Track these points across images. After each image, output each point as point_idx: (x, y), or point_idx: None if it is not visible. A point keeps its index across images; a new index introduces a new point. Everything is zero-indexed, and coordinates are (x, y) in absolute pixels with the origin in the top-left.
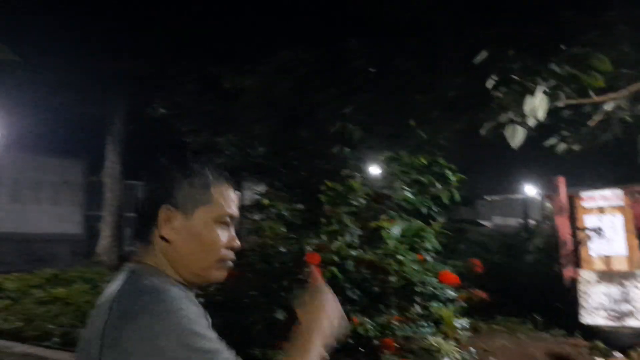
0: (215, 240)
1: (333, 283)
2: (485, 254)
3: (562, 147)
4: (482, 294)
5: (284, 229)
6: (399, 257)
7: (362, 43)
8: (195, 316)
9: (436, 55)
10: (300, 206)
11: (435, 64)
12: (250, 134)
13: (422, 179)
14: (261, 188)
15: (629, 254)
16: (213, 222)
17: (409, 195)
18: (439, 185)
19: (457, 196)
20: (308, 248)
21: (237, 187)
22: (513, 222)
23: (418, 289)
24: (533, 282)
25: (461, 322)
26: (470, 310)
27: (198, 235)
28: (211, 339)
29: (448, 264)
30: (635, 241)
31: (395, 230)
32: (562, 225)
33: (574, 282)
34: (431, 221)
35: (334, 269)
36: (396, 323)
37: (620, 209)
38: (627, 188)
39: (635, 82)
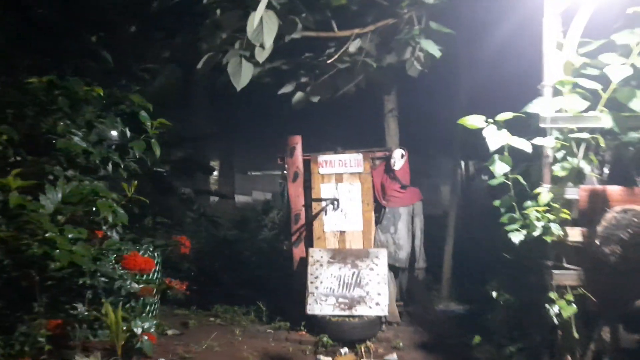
0: None
1: None
2: (216, 230)
3: (299, 97)
4: (178, 284)
5: None
6: (50, 234)
7: None
8: None
9: None
10: None
11: None
12: None
13: (103, 121)
14: None
15: (364, 228)
16: None
17: (79, 142)
18: (125, 131)
19: (157, 149)
20: None
21: None
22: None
23: (85, 280)
24: (264, 262)
25: (145, 325)
26: (176, 300)
27: None
28: None
29: (144, 243)
30: (372, 214)
31: (50, 194)
32: (295, 194)
33: (304, 263)
34: (125, 184)
35: None
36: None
37: (359, 176)
38: (367, 152)
39: (384, 19)
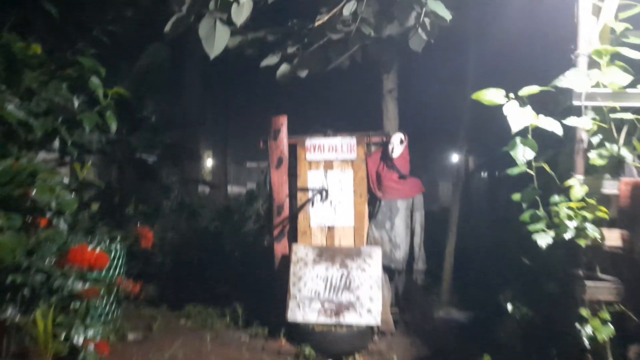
0: None
1: None
2: (195, 221)
3: (284, 69)
4: (130, 285)
5: None
6: None
7: None
8: None
9: None
10: None
11: None
12: None
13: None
14: None
15: (356, 224)
16: None
17: (15, 112)
18: (72, 99)
19: (112, 123)
20: None
21: None
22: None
23: (15, 277)
24: (246, 258)
25: (90, 332)
26: (148, 297)
27: None
28: None
29: (101, 233)
30: (365, 207)
31: None
32: (279, 182)
33: (286, 261)
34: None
35: None
36: None
37: (352, 163)
38: (361, 137)
39: None
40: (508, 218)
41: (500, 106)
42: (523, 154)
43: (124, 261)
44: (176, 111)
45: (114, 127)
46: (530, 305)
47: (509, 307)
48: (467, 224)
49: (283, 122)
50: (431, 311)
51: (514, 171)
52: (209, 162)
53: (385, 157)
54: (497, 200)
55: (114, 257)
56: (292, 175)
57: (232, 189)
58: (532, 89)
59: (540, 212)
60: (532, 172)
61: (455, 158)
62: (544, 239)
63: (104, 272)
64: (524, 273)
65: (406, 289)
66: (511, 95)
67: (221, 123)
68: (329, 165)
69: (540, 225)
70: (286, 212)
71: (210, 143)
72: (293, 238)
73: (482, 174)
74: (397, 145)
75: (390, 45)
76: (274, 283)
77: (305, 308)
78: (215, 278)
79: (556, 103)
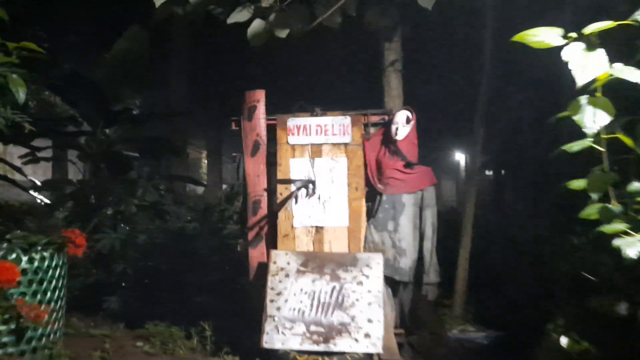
0: None
1: None
2: (164, 223)
3: (257, 27)
4: (35, 309)
5: None
6: None
7: None
8: None
9: None
10: None
11: None
12: None
13: None
14: None
15: (351, 224)
16: None
17: None
18: None
19: (19, 89)
20: None
21: None
22: None
23: None
24: (225, 264)
25: None
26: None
27: None
28: None
29: (15, 238)
30: (362, 204)
31: None
32: (254, 173)
33: (263, 271)
34: None
35: None
36: None
37: (346, 149)
38: (358, 115)
39: None
40: (550, 215)
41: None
42: (593, 118)
43: (58, 274)
44: (160, 101)
45: (21, 95)
46: (599, 343)
47: (564, 341)
48: (487, 223)
49: (260, 97)
50: (442, 328)
51: (573, 147)
52: (204, 159)
53: (388, 140)
54: (525, 193)
55: (36, 270)
56: (272, 164)
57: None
58: (603, 24)
59: (615, 205)
60: (600, 149)
61: (470, 143)
62: (634, 248)
63: (20, 288)
64: (578, 290)
65: (414, 305)
66: (572, 34)
67: (215, 115)
68: (317, 151)
69: (619, 225)
70: (264, 210)
71: (204, 137)
72: (272, 242)
73: (502, 162)
74: (403, 125)
75: (392, 7)
76: (249, 298)
77: (285, 332)
78: (185, 289)
79: (635, 47)
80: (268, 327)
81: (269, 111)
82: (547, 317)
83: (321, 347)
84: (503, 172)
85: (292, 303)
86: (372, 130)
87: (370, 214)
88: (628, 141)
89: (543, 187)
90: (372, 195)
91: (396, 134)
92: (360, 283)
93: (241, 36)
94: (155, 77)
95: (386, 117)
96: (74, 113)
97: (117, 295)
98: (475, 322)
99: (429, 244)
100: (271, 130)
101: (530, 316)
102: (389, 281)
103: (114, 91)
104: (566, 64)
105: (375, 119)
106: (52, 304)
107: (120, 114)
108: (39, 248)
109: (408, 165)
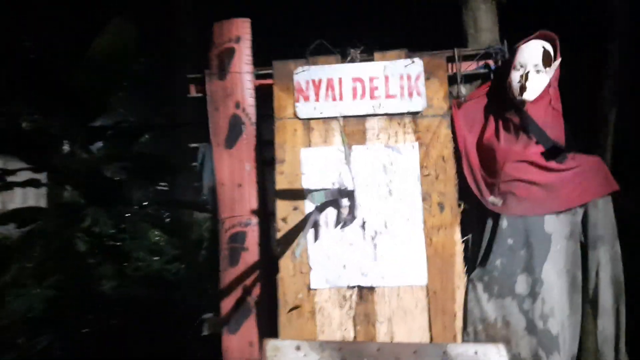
0: None
1: None
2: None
3: None
4: None
5: None
6: None
7: None
8: None
9: None
10: None
11: None
12: None
13: None
14: None
15: (434, 281)
16: None
17: None
18: None
19: None
20: None
21: None
22: None
23: None
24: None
25: None
26: None
27: None
28: None
29: None
30: (456, 236)
31: None
32: (231, 178)
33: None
34: None
35: None
36: None
37: (416, 126)
38: (438, 56)
39: None
40: None
41: None
42: None
43: None
44: (152, 110)
45: None
46: None
47: None
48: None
49: (242, 33)
50: None
51: None
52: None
53: (503, 104)
54: None
55: None
56: (267, 161)
57: None
58: None
59: None
60: None
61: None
62: None
63: None
64: None
65: None
66: None
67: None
68: (356, 131)
69: None
70: (251, 253)
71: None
72: (269, 321)
73: None
74: (537, 69)
75: None
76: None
77: None
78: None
79: None
80: None
81: (261, 61)
82: None
83: None
84: None
85: None
86: (463, 90)
87: (475, 259)
88: None
89: None
90: (476, 219)
91: (524, 90)
92: None
93: None
94: (155, 78)
95: (492, 62)
96: (43, 125)
97: None
98: None
99: (609, 324)
100: (264, 95)
101: None
102: None
103: (96, 99)
104: None
105: (470, 65)
106: None
107: (102, 128)
108: None
109: (553, 154)
